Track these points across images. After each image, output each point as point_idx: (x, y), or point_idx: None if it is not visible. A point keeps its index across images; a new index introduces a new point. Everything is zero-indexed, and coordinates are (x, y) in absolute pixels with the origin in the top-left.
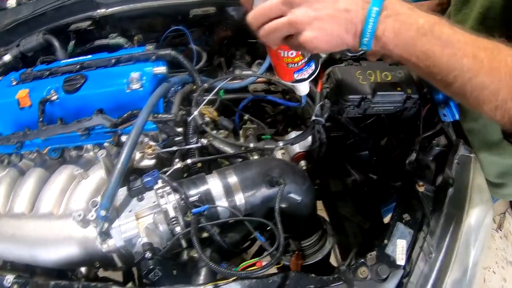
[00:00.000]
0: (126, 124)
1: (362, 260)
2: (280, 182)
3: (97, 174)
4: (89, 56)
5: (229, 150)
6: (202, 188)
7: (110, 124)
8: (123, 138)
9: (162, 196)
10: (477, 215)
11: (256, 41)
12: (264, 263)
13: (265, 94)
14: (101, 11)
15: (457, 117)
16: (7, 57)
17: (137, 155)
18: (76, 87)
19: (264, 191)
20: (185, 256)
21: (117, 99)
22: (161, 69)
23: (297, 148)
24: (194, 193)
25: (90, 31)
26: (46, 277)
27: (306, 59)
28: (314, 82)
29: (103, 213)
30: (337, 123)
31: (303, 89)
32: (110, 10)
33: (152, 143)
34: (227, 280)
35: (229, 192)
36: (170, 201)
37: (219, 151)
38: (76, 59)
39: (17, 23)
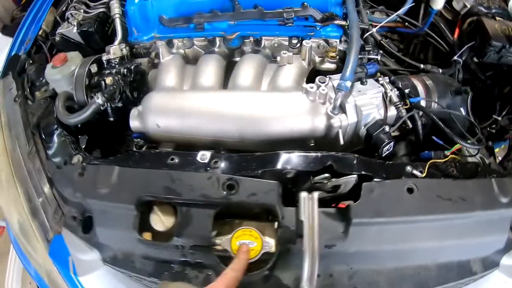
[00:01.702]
0: (329, 22)
1: None
2: (467, 91)
3: (299, 62)
4: None
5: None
6: (409, 83)
7: (321, 17)
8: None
9: (382, 84)
10: None
11: None
12: None
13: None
14: None
15: None
16: None
17: (317, 58)
18: None
19: (448, 99)
20: None
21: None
22: None
23: None
24: (404, 86)
25: None
26: None
27: None
28: (452, 30)
29: (348, 84)
30: (467, 68)
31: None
32: None
33: (340, 47)
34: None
35: (428, 92)
36: (392, 89)
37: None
38: None
39: None
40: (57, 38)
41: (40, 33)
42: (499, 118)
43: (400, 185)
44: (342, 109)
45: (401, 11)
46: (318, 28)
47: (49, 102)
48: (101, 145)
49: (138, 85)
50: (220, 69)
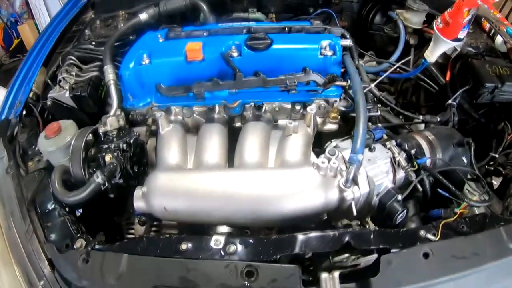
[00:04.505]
0: (330, 84)
1: None
2: (469, 143)
3: (304, 129)
4: (252, 23)
5: (393, 121)
6: (414, 143)
7: (323, 82)
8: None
9: (390, 148)
10: None
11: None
12: None
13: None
14: None
15: None
16: (143, 16)
17: (318, 120)
18: (264, 46)
19: (452, 151)
20: None
21: (308, 62)
22: (348, 42)
23: None
24: (410, 147)
25: (227, 2)
26: None
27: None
28: (443, 73)
29: (360, 157)
30: (460, 108)
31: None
32: None
33: (341, 107)
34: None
35: (432, 148)
36: (399, 153)
37: (387, 121)
38: (235, 23)
39: None
40: (49, 103)
41: (30, 95)
42: (497, 156)
43: (416, 252)
44: (354, 181)
45: (393, 58)
46: (320, 92)
47: (43, 175)
48: (99, 216)
49: (138, 159)
50: (223, 140)
